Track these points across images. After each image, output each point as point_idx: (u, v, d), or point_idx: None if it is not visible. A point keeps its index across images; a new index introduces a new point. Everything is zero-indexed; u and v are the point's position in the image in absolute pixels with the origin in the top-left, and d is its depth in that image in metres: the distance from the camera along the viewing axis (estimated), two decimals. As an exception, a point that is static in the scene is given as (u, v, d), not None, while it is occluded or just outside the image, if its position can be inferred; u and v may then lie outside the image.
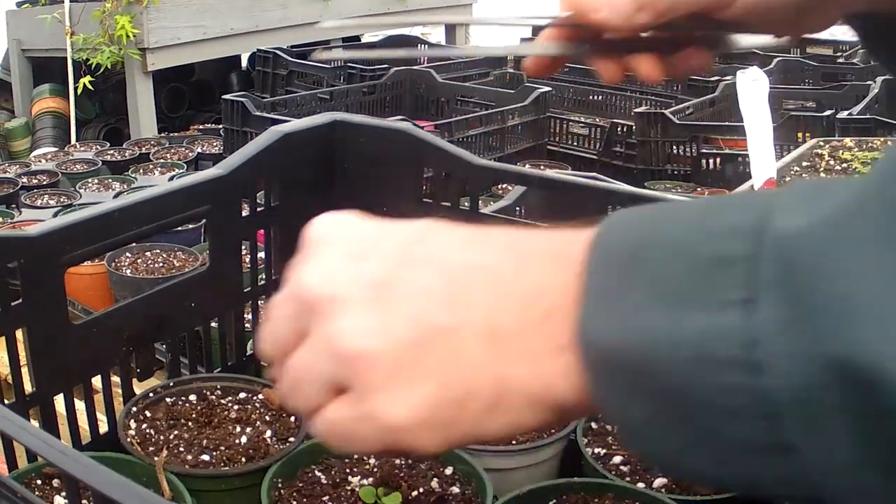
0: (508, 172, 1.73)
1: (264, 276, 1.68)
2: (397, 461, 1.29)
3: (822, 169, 2.38)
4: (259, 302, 1.67)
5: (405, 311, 0.61)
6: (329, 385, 0.64)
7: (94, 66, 5.98)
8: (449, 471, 1.29)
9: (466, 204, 1.62)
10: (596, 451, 1.33)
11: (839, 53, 5.54)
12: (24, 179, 3.79)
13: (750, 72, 2.06)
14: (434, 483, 1.26)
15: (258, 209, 1.63)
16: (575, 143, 4.29)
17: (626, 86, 4.75)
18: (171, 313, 1.52)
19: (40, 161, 4.22)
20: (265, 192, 1.63)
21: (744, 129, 2.22)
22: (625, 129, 4.01)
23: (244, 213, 1.62)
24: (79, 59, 6.11)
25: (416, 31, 7.46)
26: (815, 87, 4.70)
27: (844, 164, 2.38)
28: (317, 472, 1.29)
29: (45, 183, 3.80)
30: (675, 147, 3.79)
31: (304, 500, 1.24)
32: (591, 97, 4.78)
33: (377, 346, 0.61)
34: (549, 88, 4.28)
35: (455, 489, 1.25)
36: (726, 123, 3.84)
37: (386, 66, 4.54)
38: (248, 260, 1.80)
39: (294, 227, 1.62)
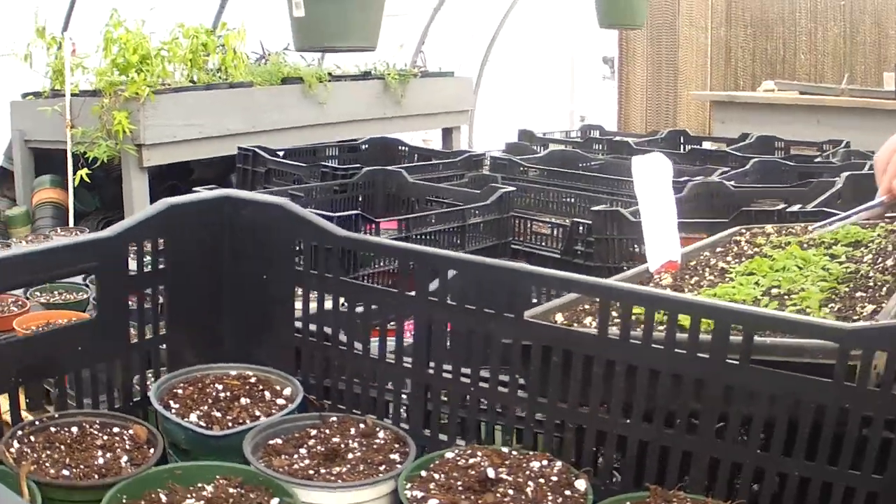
0: (367, 243, 2.05)
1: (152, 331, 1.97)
2: (231, 490, 1.56)
3: (731, 254, 2.51)
4: (149, 353, 1.96)
5: None
6: None
7: (91, 159, 6.35)
8: (275, 501, 1.54)
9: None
10: (414, 493, 1.56)
11: (818, 153, 5.76)
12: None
13: (649, 156, 2.16)
14: (246, 508, 1.52)
15: (145, 269, 1.92)
16: (538, 242, 4.47)
17: (591, 186, 4.97)
18: (59, 354, 1.81)
19: (21, 242, 4.54)
20: (152, 256, 1.93)
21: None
22: (585, 228, 4.11)
23: (132, 273, 1.91)
24: (77, 151, 6.47)
25: (416, 137, 7.76)
26: (784, 186, 4.75)
27: (756, 249, 2.52)
28: (161, 495, 1.54)
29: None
30: (633, 245, 3.87)
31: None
32: (554, 197, 4.94)
33: None
34: (513, 188, 4.49)
35: None
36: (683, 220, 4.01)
37: (359, 165, 4.86)
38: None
39: (182, 289, 1.95)
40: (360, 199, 4.77)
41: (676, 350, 1.55)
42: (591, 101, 11.93)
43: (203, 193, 2.03)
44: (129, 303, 1.94)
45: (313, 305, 1.99)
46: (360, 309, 1.93)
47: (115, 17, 6.66)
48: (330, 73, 7.79)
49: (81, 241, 1.85)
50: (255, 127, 6.88)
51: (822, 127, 6.95)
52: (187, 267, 1.99)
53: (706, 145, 6.15)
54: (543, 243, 4.48)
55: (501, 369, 1.75)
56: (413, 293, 1.82)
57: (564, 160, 5.49)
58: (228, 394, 1.88)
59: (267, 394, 1.90)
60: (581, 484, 1.57)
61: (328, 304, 1.97)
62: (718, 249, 2.55)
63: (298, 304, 1.99)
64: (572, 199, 4.89)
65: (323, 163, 4.93)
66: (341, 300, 1.93)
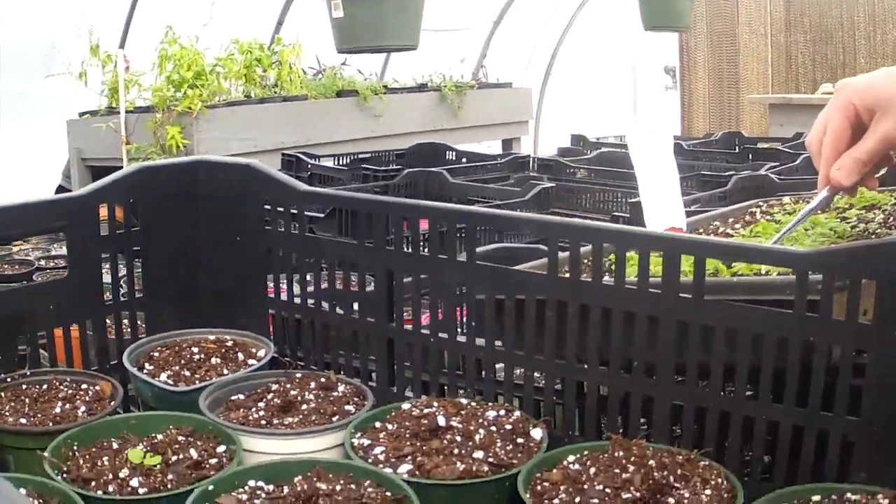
0: (327, 196, 2.04)
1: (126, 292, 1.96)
2: (180, 438, 1.54)
3: (742, 222, 2.44)
4: (122, 314, 1.94)
5: None
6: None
7: (146, 174, 6.39)
8: (221, 448, 1.52)
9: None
10: (361, 441, 1.53)
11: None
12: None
13: (645, 123, 2.15)
14: (192, 452, 1.49)
15: (118, 231, 1.92)
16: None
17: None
18: (30, 313, 1.81)
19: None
20: (124, 217, 1.92)
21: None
22: (623, 221, 3.91)
23: (104, 233, 1.90)
24: (133, 167, 6.53)
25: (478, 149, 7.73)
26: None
27: (768, 217, 2.44)
28: (113, 442, 1.53)
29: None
30: (669, 235, 3.85)
31: (87, 458, 1.48)
32: (601, 197, 4.86)
33: None
34: (552, 185, 4.45)
35: (213, 460, 1.48)
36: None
37: (399, 167, 4.84)
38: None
39: (158, 253, 1.94)
40: (401, 199, 4.72)
41: (626, 286, 1.49)
42: (655, 110, 11.85)
43: (176, 158, 2.03)
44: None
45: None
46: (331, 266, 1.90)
47: (169, 34, 6.72)
48: (385, 86, 7.80)
49: (51, 199, 1.86)
50: (309, 140, 6.90)
51: (881, 127, 6.78)
52: (162, 230, 1.99)
53: (761, 146, 6.02)
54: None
55: (456, 319, 1.71)
56: (371, 244, 1.78)
57: (613, 161, 5.40)
58: (202, 356, 1.88)
59: (241, 355, 1.89)
60: (537, 433, 1.52)
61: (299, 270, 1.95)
62: (730, 219, 2.47)
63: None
64: (619, 197, 4.81)
65: (365, 165, 4.90)
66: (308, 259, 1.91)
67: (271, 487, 1.39)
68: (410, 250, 1.78)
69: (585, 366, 1.56)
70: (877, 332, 1.31)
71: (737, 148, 6.12)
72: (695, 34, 11.33)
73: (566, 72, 11.06)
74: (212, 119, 6.47)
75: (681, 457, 1.41)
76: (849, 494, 1.31)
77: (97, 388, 1.75)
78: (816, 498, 1.32)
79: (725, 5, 11.21)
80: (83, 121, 6.88)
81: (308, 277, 1.90)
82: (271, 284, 2.00)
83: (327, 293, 1.94)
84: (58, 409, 1.66)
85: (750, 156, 5.62)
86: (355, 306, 1.84)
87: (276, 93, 7.17)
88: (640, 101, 12.27)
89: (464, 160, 5.64)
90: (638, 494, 1.33)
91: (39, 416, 1.64)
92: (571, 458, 1.45)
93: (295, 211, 1.90)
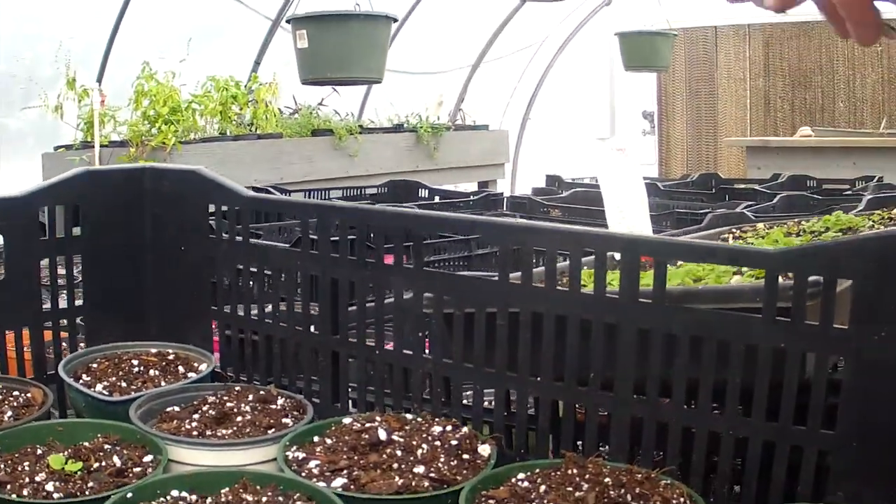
0: (273, 202, 1.94)
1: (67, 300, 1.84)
2: (107, 446, 1.43)
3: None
4: (61, 323, 1.82)
5: None
6: None
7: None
8: (148, 458, 1.41)
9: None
10: (296, 455, 1.41)
11: (849, 188, 5.53)
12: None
13: (612, 141, 2.10)
14: (116, 459, 1.38)
15: (58, 236, 1.80)
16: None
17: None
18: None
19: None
20: (65, 222, 1.81)
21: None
22: None
23: (43, 238, 1.78)
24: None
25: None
26: (807, 214, 4.51)
27: (740, 241, 2.34)
28: (38, 448, 1.43)
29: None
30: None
31: (8, 462, 1.37)
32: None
33: None
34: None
35: (137, 469, 1.37)
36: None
37: (371, 203, 4.74)
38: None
39: (101, 260, 1.82)
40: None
41: (583, 291, 1.37)
42: (633, 154, 11.76)
43: (123, 165, 1.91)
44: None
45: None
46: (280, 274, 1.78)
47: (146, 69, 6.63)
48: (361, 126, 7.70)
49: (-12, 199, 1.74)
50: (283, 178, 6.78)
51: (859, 169, 6.70)
52: (106, 237, 1.88)
53: (738, 187, 5.94)
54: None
55: (404, 330, 1.59)
56: (316, 252, 1.67)
57: (588, 200, 5.30)
58: (142, 368, 1.78)
59: (181, 368, 1.79)
60: (485, 449, 1.40)
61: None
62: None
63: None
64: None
65: (335, 199, 4.80)
66: (252, 268, 1.79)
67: (194, 498, 1.28)
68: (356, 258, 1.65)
69: (538, 379, 1.44)
70: (854, 337, 1.19)
71: (713, 189, 6.04)
72: (673, 79, 11.31)
73: (544, 116, 11.02)
74: (185, 154, 6.35)
75: (640, 475, 1.29)
76: (824, 515, 1.19)
77: (28, 395, 1.65)
78: (789, 519, 1.20)
79: (704, 50, 11.20)
80: (57, 154, 6.76)
81: (253, 289, 1.79)
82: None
83: (272, 304, 1.82)
84: (-15, 416, 1.56)
85: (727, 196, 5.54)
86: (298, 318, 1.72)
87: (251, 130, 7.07)
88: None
89: (436, 198, 5.53)
90: (591, 514, 1.21)
91: (-33, 422, 1.53)
92: (521, 475, 1.33)
93: (239, 223, 1.79)
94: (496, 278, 1.46)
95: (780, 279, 1.23)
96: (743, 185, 5.92)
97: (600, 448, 1.42)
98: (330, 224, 1.67)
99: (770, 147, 7.99)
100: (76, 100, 6.71)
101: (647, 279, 1.34)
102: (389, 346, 1.61)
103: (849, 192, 5.24)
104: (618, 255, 1.35)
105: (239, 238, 1.79)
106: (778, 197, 4.87)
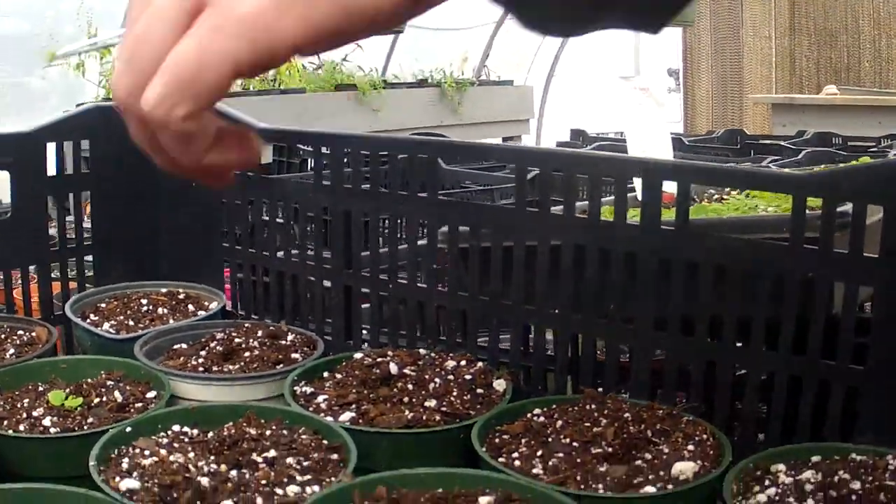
0: (285, 132, 2.08)
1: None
2: (109, 382, 1.37)
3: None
4: (68, 261, 1.77)
5: None
6: (186, 10, 0.62)
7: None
8: (151, 394, 1.35)
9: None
10: (304, 389, 1.36)
11: (874, 146, 5.42)
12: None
13: (635, 80, 2.01)
14: (117, 395, 1.33)
15: (67, 172, 1.74)
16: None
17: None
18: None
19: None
20: (73, 158, 1.75)
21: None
22: None
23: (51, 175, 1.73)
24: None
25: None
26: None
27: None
28: (40, 385, 1.38)
29: None
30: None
31: (8, 399, 1.32)
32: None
33: None
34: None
35: (139, 404, 1.32)
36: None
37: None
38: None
39: (111, 199, 1.77)
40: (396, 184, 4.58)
41: (602, 219, 1.30)
42: (656, 93, 11.61)
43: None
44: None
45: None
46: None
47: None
48: (385, 81, 7.62)
49: (-5, 135, 1.69)
50: (306, 134, 6.70)
51: (885, 128, 6.56)
52: (116, 175, 1.81)
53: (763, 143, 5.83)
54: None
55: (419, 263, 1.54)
56: (328, 183, 1.61)
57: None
58: (151, 307, 1.72)
59: (191, 307, 1.73)
60: (500, 384, 1.34)
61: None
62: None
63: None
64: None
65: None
66: (264, 200, 1.73)
67: (196, 432, 1.22)
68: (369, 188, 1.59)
69: (556, 311, 1.37)
70: (885, 266, 1.12)
71: (738, 144, 5.94)
72: (698, 36, 11.14)
73: (569, 72, 10.89)
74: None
75: (661, 411, 1.23)
76: (853, 455, 1.11)
77: (33, 334, 1.60)
78: (816, 459, 1.13)
79: (730, 7, 11.04)
80: (79, 111, 6.70)
81: (265, 226, 1.73)
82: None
83: (283, 239, 1.76)
84: (-14, 352, 1.51)
85: (752, 151, 5.44)
86: (310, 252, 1.67)
87: (274, 86, 7.00)
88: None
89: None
90: (609, 449, 1.15)
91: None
92: (537, 410, 1.27)
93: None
94: (513, 207, 1.40)
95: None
96: (769, 142, 5.81)
97: (620, 391, 1.35)
98: (342, 154, 1.60)
99: (795, 105, 7.87)
100: (98, 57, 6.65)
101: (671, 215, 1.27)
102: (403, 281, 1.55)
103: (874, 149, 5.14)
104: (639, 189, 1.29)
105: (250, 172, 1.73)
106: (803, 153, 4.77)
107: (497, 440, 1.20)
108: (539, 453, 1.15)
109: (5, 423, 1.25)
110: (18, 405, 1.32)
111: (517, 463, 1.14)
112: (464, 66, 8.56)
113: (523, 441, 1.19)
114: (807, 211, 1.16)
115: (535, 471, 1.12)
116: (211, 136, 0.69)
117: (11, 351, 1.52)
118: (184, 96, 0.62)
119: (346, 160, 1.62)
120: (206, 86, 0.62)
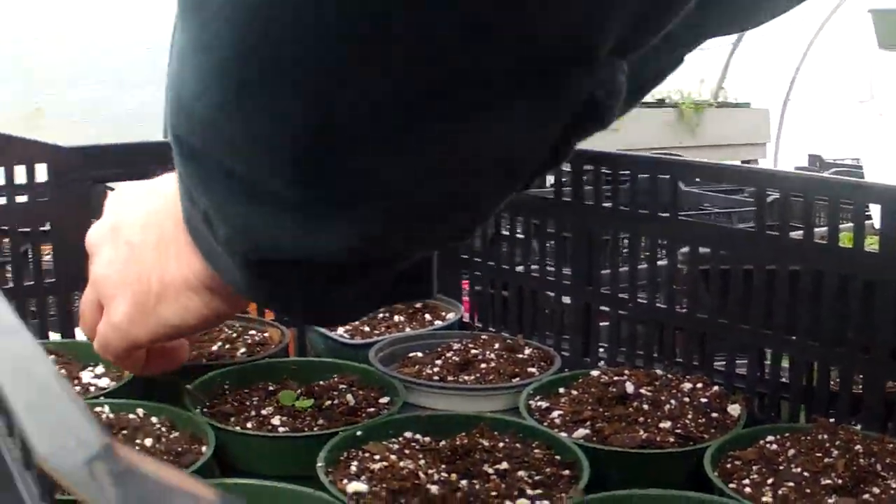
0: None
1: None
2: (342, 386, 1.37)
3: None
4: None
5: (120, 252, 0.94)
6: (95, 305, 1.01)
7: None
8: (384, 399, 1.34)
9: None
10: (539, 404, 1.34)
11: None
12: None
13: (872, 104, 1.93)
14: (349, 398, 1.32)
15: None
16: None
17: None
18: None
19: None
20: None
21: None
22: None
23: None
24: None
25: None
26: None
27: None
28: (269, 385, 1.37)
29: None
30: None
31: (236, 396, 1.32)
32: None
33: (104, 271, 0.97)
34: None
35: (371, 409, 1.30)
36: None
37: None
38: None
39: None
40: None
41: (840, 245, 1.24)
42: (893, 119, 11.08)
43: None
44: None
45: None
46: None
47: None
48: (623, 100, 7.55)
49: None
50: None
51: None
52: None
53: None
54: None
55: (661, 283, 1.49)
56: (569, 200, 1.58)
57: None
58: (387, 314, 1.73)
59: (428, 316, 1.72)
60: (735, 409, 1.28)
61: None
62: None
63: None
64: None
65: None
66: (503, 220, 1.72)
67: (427, 440, 1.21)
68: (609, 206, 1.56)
69: (794, 337, 1.31)
70: None
71: None
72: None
73: (806, 96, 10.55)
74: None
75: (892, 445, 1.16)
76: None
77: (265, 334, 1.61)
78: None
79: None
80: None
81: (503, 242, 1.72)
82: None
83: (523, 254, 1.74)
84: (215, 348, 1.53)
85: None
86: (549, 268, 1.64)
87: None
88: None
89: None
90: (839, 481, 1.08)
91: (194, 352, 1.48)
92: (770, 437, 1.21)
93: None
94: (753, 229, 1.35)
95: None
96: None
97: (851, 422, 1.28)
98: (580, 171, 1.57)
99: None
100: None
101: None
102: (642, 301, 1.51)
103: None
104: (876, 216, 1.23)
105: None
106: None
107: (728, 465, 1.15)
108: (769, 481, 1.10)
109: (232, 419, 1.25)
110: (247, 403, 1.31)
111: (748, 490, 1.09)
112: (701, 88, 8.42)
113: (755, 468, 1.14)
114: None
115: (764, 499, 1.07)
116: (142, 360, 1.09)
117: (243, 350, 1.52)
118: (106, 354, 1.04)
119: (585, 177, 1.59)
120: (114, 353, 1.03)
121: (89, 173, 1.54)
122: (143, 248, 0.90)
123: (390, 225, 0.64)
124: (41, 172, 1.50)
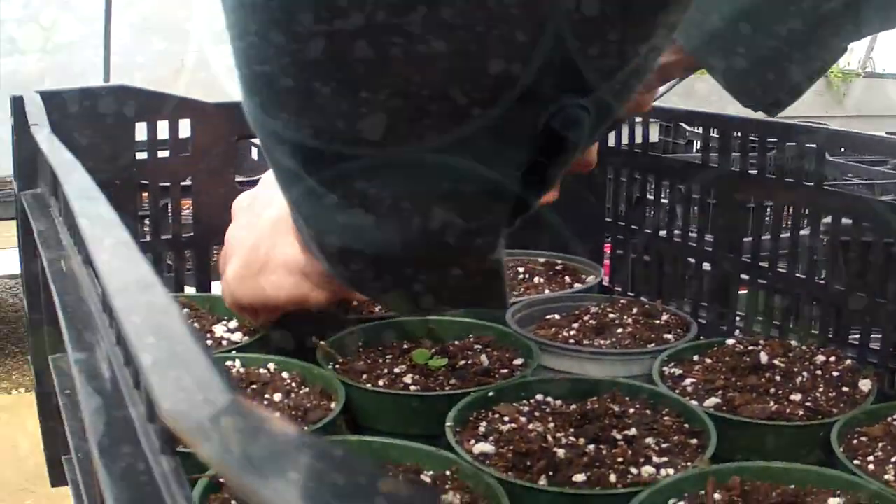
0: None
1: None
2: (476, 346, 1.37)
3: None
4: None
5: (250, 220, 1.04)
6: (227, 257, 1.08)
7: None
8: (518, 361, 1.33)
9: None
10: (672, 370, 1.32)
11: None
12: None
13: None
14: (484, 359, 1.31)
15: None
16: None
17: None
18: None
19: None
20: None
21: None
22: None
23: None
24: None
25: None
26: None
27: None
28: (404, 344, 1.36)
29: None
30: None
31: (371, 354, 1.34)
32: None
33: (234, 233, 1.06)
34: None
35: (504, 370, 1.29)
36: None
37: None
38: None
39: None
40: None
41: None
42: None
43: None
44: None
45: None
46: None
47: None
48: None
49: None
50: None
51: None
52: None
53: None
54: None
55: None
56: (715, 166, 1.54)
57: None
58: (527, 275, 1.72)
59: (567, 279, 1.70)
60: (866, 384, 1.24)
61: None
62: None
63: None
64: None
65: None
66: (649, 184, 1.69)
67: (559, 403, 1.20)
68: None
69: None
70: None
71: None
72: None
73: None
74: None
75: None
76: None
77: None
78: None
79: None
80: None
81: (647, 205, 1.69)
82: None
83: (665, 219, 1.70)
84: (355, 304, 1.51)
85: None
86: (692, 234, 1.62)
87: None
88: None
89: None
90: (965, 464, 1.04)
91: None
92: (899, 415, 1.17)
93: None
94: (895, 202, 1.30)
95: None
96: None
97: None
98: (729, 138, 1.53)
99: None
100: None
101: None
102: (782, 270, 1.47)
103: None
104: None
105: (638, 151, 1.69)
106: None
107: (855, 441, 1.12)
108: (893, 459, 1.07)
109: (364, 377, 1.24)
110: (381, 361, 1.31)
111: (871, 467, 1.06)
112: (849, 58, 8.13)
113: (880, 445, 1.10)
114: None
115: (886, 476, 1.04)
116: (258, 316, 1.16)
117: (378, 308, 1.50)
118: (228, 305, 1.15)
119: (732, 144, 1.54)
120: (229, 306, 1.15)
121: (233, 130, 1.54)
122: (265, 220, 0.98)
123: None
124: (184, 128, 1.51)
